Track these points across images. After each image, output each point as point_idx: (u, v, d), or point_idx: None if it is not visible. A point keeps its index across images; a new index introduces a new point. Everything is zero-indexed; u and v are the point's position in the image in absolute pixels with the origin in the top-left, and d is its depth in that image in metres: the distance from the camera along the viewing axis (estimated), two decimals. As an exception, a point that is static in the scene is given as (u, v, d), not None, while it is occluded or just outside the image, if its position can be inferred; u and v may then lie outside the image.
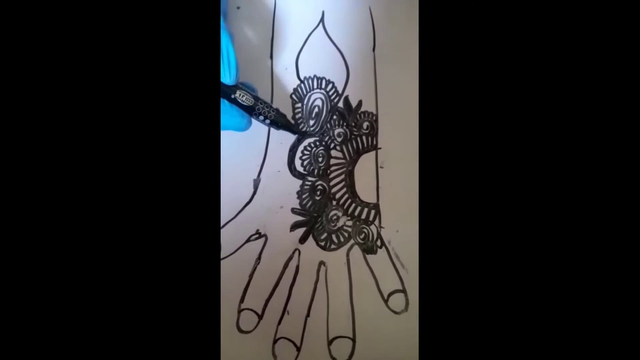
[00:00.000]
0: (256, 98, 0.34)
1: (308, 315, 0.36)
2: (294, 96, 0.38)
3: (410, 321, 0.36)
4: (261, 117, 0.34)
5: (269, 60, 0.38)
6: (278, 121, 0.35)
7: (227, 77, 0.31)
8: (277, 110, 0.35)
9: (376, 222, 0.37)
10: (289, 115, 0.37)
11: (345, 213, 0.37)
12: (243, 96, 0.33)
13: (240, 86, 0.33)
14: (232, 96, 0.33)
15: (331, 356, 0.36)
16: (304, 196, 0.38)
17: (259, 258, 0.37)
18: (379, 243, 0.37)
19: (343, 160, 0.38)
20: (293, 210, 0.37)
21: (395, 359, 0.36)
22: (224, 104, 0.32)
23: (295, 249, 0.37)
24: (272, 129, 0.37)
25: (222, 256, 0.37)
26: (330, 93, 0.38)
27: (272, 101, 0.38)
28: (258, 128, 0.36)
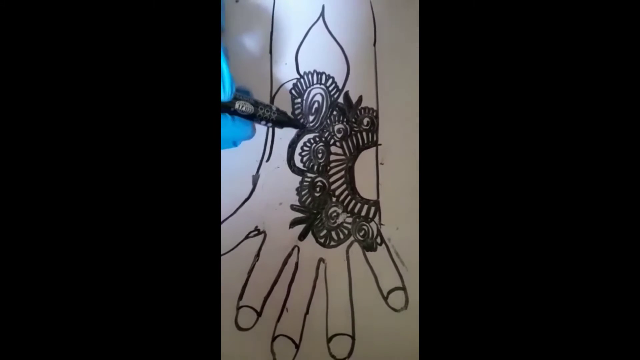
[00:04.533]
0: (255, 104, 0.33)
1: (307, 312, 0.36)
2: (293, 91, 0.38)
3: (410, 319, 0.36)
4: (263, 122, 0.34)
5: (269, 55, 0.38)
6: (281, 120, 0.35)
7: (222, 94, 0.30)
8: (277, 109, 0.35)
9: (376, 219, 0.37)
10: (288, 112, 0.37)
11: (345, 210, 0.37)
12: (243, 106, 0.32)
13: (238, 96, 0.32)
14: (232, 109, 0.32)
15: (330, 354, 0.36)
16: (303, 193, 0.37)
17: (258, 255, 0.37)
18: (378, 240, 0.37)
19: (343, 157, 0.38)
20: (292, 207, 0.37)
21: (395, 357, 0.36)
22: (226, 119, 0.31)
23: (295, 246, 0.37)
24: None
25: (220, 253, 0.36)
26: (330, 88, 0.38)
27: (271, 97, 0.38)
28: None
